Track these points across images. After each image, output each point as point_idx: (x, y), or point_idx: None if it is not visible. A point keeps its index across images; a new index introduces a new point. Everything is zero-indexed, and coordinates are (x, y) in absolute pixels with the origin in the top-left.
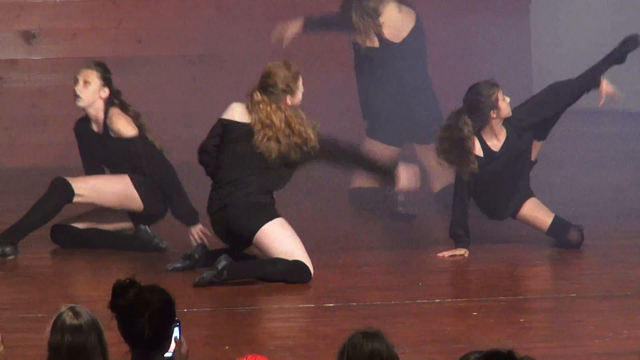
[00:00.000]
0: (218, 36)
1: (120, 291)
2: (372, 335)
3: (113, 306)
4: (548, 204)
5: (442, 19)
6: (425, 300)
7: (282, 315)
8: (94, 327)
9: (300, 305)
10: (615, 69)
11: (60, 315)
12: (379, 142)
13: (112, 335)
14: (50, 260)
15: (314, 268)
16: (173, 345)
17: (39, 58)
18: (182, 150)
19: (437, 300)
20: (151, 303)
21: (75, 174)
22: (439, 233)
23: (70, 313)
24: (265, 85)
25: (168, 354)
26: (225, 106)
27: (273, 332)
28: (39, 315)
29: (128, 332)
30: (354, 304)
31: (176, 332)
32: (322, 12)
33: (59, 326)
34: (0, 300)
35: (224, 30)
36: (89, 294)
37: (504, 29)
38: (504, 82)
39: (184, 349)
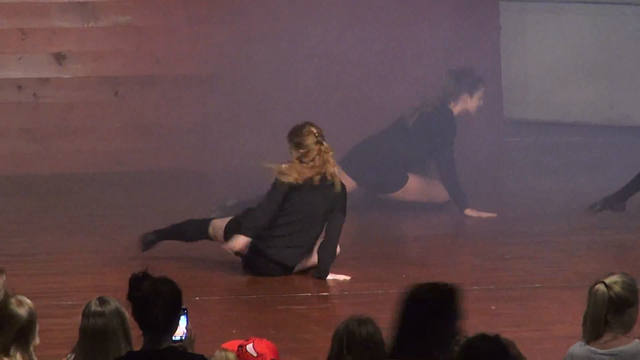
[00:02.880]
0: (227, 58)
1: (135, 283)
2: (365, 321)
3: (130, 296)
4: (519, 205)
5: (420, 40)
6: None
7: (283, 302)
8: (117, 314)
9: (299, 294)
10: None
11: (89, 304)
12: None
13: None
14: (84, 253)
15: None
16: (183, 331)
17: (68, 77)
18: (195, 159)
19: None
20: (162, 293)
21: (98, 180)
22: (420, 230)
23: (96, 301)
24: None
25: (176, 337)
26: (233, 120)
27: (274, 317)
28: (70, 302)
29: (142, 318)
30: (346, 292)
31: (184, 320)
32: None
33: (86, 313)
34: (39, 289)
35: (232, 52)
36: (116, 284)
37: (476, 51)
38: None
39: (192, 335)
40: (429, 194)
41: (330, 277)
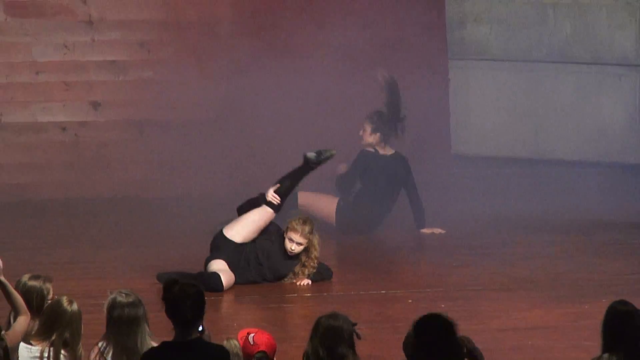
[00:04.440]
0: (230, 106)
1: (168, 287)
2: (336, 316)
3: (164, 298)
4: (463, 223)
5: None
6: (374, 291)
7: (273, 302)
8: (141, 303)
9: (287, 295)
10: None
11: (114, 298)
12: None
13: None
14: (115, 262)
15: None
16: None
17: (103, 120)
18: (204, 187)
19: (382, 291)
20: (190, 295)
21: (127, 204)
22: (386, 243)
23: (122, 294)
24: None
25: (200, 329)
26: (236, 155)
27: (267, 313)
28: (104, 301)
29: (174, 315)
30: (325, 294)
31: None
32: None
33: (117, 304)
34: (78, 291)
35: (235, 101)
36: (141, 287)
37: (429, 98)
38: (427, 134)
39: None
40: (317, 208)
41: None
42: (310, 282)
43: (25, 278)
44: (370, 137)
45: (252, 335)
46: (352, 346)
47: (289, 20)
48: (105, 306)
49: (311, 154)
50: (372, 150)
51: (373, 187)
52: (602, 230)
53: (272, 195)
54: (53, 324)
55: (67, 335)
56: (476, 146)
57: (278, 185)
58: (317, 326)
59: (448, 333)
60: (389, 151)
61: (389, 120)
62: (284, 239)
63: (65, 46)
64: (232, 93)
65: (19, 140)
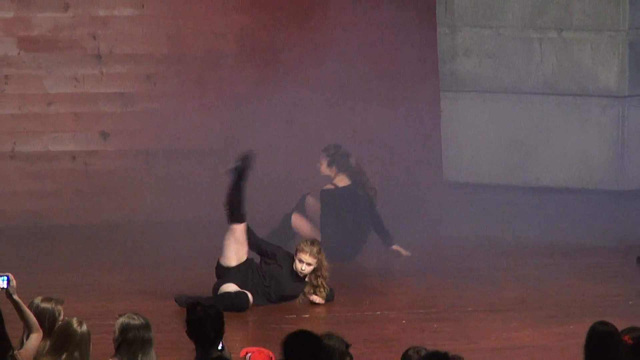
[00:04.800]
0: (231, 136)
1: (191, 309)
2: (331, 336)
3: (187, 319)
4: (455, 247)
5: (376, 123)
6: (369, 312)
7: (273, 322)
8: (150, 325)
9: (286, 316)
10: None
11: (127, 321)
12: None
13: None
14: (121, 284)
15: None
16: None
17: (111, 150)
18: (208, 212)
19: (378, 312)
20: (211, 315)
21: (134, 228)
22: (379, 266)
23: (133, 317)
24: None
25: (219, 347)
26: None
27: (269, 333)
28: (111, 322)
29: (196, 335)
30: (323, 315)
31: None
32: None
33: (131, 326)
34: (87, 311)
35: (235, 131)
36: (147, 308)
37: (422, 129)
38: (420, 162)
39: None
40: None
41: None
42: (323, 300)
43: (37, 300)
44: (326, 170)
45: (249, 354)
46: None
47: (288, 55)
48: (117, 328)
49: (237, 163)
50: (332, 186)
51: (343, 220)
52: (586, 254)
53: (226, 213)
54: (63, 344)
55: (76, 354)
56: (467, 173)
57: (226, 203)
58: None
59: (315, 349)
60: (346, 182)
61: None
62: (293, 261)
63: (76, 79)
64: (234, 123)
65: (31, 168)
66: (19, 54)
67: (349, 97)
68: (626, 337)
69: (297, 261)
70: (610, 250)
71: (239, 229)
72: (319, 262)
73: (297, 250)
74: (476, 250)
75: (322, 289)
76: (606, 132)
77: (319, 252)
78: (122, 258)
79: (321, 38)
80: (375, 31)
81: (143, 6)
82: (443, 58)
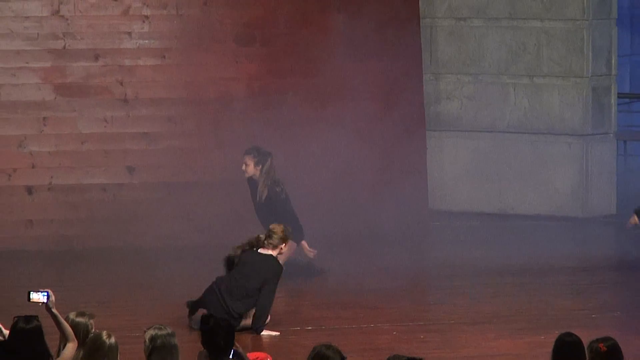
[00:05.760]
0: (242, 164)
1: (205, 321)
2: (329, 346)
3: (201, 329)
4: (438, 267)
5: (368, 159)
6: (364, 325)
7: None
8: (174, 334)
9: (289, 327)
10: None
11: (155, 331)
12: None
13: None
14: (145, 300)
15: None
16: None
17: (137, 182)
18: (221, 237)
19: (371, 325)
20: (222, 327)
21: (158, 253)
22: (371, 283)
23: (160, 327)
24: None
25: (230, 356)
26: (248, 209)
27: (274, 342)
28: (137, 334)
29: (209, 344)
30: (323, 327)
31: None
32: None
33: (158, 335)
34: (115, 325)
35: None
36: (168, 322)
37: (409, 164)
38: (407, 193)
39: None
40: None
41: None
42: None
43: (72, 315)
44: (254, 170)
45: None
46: None
47: (292, 98)
48: (147, 338)
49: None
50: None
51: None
52: (554, 273)
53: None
54: (94, 354)
55: None
56: (449, 202)
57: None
58: (312, 352)
59: None
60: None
61: None
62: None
63: (105, 120)
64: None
65: (66, 199)
66: (55, 98)
67: (345, 134)
68: (601, 345)
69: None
70: (576, 270)
71: None
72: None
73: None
74: (457, 270)
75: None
76: (572, 166)
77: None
78: (146, 278)
79: (320, 84)
80: (369, 78)
81: (164, 57)
82: (429, 101)
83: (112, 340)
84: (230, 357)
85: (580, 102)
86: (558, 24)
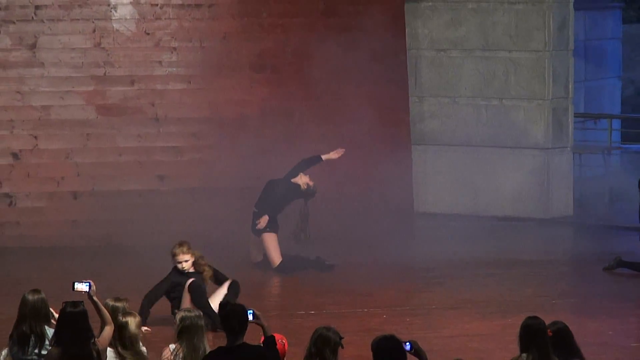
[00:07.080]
0: (256, 175)
1: (222, 305)
2: (329, 328)
3: (219, 314)
4: (423, 263)
5: (361, 173)
6: (358, 309)
7: (286, 316)
8: (202, 316)
9: (295, 311)
10: None
11: (185, 314)
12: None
13: None
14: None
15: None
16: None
17: (166, 189)
18: (229, 246)
19: (365, 310)
20: (237, 311)
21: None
22: (363, 271)
23: (188, 310)
24: None
25: (250, 318)
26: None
27: (282, 324)
28: (165, 316)
29: (226, 326)
30: (324, 311)
31: (250, 316)
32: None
33: (187, 317)
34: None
35: (260, 171)
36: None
37: (396, 175)
38: (395, 198)
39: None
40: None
41: None
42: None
43: (110, 300)
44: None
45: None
46: (334, 352)
47: (298, 117)
48: (177, 319)
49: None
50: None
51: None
52: (520, 266)
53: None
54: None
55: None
56: (432, 206)
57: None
58: (315, 333)
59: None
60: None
61: None
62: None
63: (139, 136)
64: (259, 168)
65: (107, 203)
66: (97, 117)
67: (343, 147)
68: (549, 331)
69: (176, 265)
70: (539, 263)
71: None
72: (194, 255)
73: (173, 256)
74: (438, 264)
75: (206, 268)
76: (535, 174)
77: (188, 248)
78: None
79: (322, 105)
80: (364, 100)
81: (190, 82)
82: (414, 120)
83: (137, 319)
84: (251, 319)
85: (542, 120)
86: (524, 54)
